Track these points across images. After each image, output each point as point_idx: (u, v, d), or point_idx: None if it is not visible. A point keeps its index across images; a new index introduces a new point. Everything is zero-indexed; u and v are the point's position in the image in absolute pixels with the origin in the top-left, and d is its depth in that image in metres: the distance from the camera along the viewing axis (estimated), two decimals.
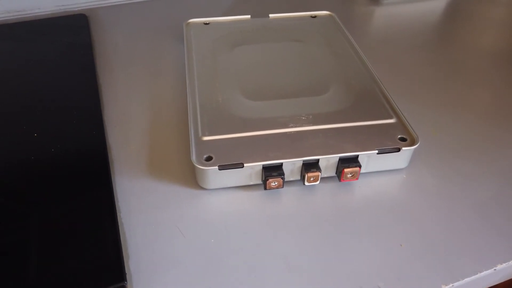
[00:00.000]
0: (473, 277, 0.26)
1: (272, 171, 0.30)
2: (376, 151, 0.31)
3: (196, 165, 0.29)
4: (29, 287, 0.24)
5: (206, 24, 0.46)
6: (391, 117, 0.33)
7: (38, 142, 0.34)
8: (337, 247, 0.28)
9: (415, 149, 0.31)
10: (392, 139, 0.32)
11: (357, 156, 0.31)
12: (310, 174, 0.30)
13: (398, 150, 0.31)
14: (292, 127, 0.32)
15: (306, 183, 0.30)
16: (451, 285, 0.26)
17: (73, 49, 0.45)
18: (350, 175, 0.31)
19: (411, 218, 0.29)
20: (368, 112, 0.34)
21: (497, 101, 0.40)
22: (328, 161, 0.30)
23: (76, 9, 0.54)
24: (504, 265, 0.27)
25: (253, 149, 0.31)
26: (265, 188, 0.30)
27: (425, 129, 0.36)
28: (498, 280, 0.28)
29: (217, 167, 0.29)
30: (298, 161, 0.30)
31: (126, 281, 0.25)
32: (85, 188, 0.30)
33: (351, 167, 0.30)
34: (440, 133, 0.36)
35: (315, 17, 0.48)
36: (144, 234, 0.28)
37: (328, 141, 0.31)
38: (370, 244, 0.28)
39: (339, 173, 0.31)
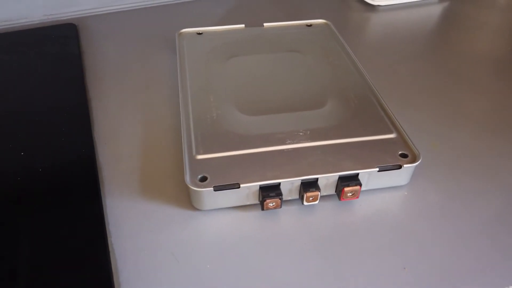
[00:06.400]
0: None
1: (270, 192, 0.29)
2: (377, 169, 0.30)
3: (190, 186, 0.28)
4: None
5: (199, 34, 0.45)
6: (391, 132, 0.32)
7: (24, 161, 0.32)
8: (337, 270, 0.27)
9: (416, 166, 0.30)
10: (393, 156, 0.31)
11: (357, 174, 0.29)
12: (309, 194, 0.29)
13: (400, 167, 0.30)
14: (289, 143, 0.31)
15: (305, 203, 0.29)
16: None
17: (62, 60, 0.44)
18: (351, 194, 0.29)
19: (414, 239, 0.28)
20: (368, 126, 0.33)
21: (498, 110, 0.39)
22: (327, 180, 0.29)
23: (65, 18, 0.52)
24: None
25: (250, 168, 0.29)
26: (263, 209, 0.29)
27: (425, 142, 0.35)
28: None
29: (212, 188, 0.28)
30: (297, 180, 0.29)
31: None
32: (74, 211, 0.29)
33: (351, 186, 0.29)
34: (442, 146, 0.35)
35: (310, 25, 0.47)
36: (136, 260, 0.27)
37: (327, 159, 0.30)
38: (372, 267, 0.27)
39: (339, 192, 0.30)
